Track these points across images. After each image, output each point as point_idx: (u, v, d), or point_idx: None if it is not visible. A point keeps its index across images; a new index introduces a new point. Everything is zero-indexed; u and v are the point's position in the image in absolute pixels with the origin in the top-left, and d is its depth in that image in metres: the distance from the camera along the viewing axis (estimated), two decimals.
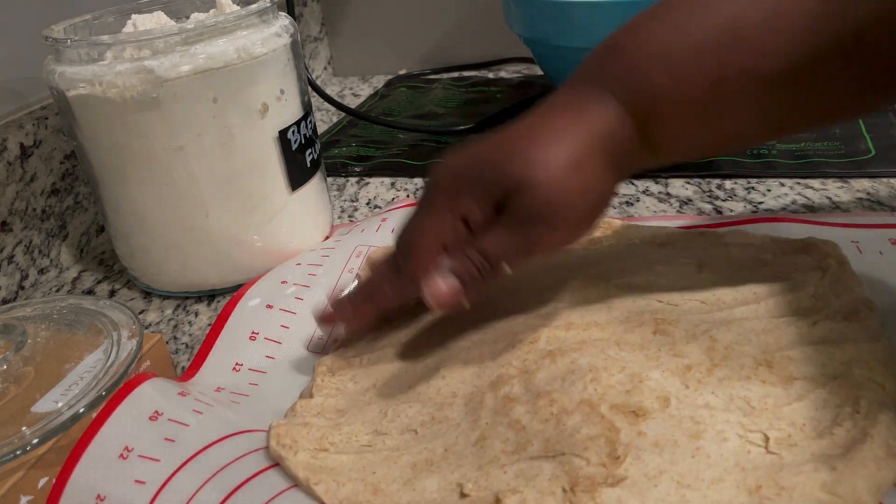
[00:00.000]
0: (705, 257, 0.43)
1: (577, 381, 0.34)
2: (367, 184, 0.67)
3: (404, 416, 0.35)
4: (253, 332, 0.44)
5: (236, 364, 0.42)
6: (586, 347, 0.36)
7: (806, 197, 0.54)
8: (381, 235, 0.52)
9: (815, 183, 0.56)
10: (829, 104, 0.34)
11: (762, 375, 0.33)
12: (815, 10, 0.31)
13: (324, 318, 0.41)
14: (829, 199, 0.53)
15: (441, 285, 0.34)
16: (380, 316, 0.41)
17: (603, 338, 0.37)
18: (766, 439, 0.30)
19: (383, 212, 0.56)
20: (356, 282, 0.47)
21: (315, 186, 0.54)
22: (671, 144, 0.36)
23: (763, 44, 0.32)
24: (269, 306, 0.46)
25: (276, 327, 0.44)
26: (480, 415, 0.34)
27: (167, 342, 0.47)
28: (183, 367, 0.44)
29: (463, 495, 0.30)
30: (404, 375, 0.39)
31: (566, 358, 0.36)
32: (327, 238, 0.56)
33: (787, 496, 0.28)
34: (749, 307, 0.38)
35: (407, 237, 0.37)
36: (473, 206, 0.35)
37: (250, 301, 0.47)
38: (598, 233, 0.49)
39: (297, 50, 0.51)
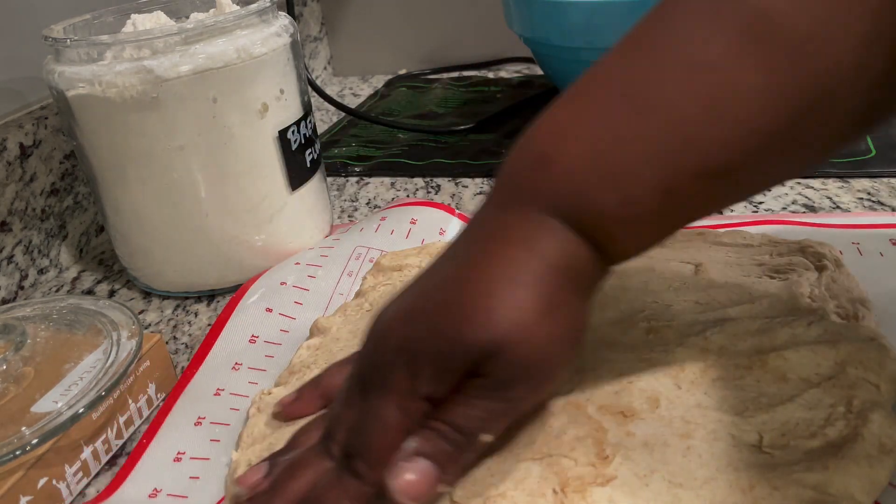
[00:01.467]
0: (702, 258, 0.43)
1: (563, 383, 0.34)
2: (367, 184, 0.67)
3: None
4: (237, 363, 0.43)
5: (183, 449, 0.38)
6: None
7: (806, 197, 0.54)
8: (380, 236, 0.52)
9: (816, 183, 0.56)
10: (795, 165, 0.31)
11: (756, 375, 0.33)
12: (761, 86, 0.27)
13: None
14: (830, 199, 0.53)
15: (412, 475, 0.28)
16: None
17: (593, 339, 0.37)
18: (760, 439, 0.30)
19: (382, 210, 0.56)
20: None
21: (315, 186, 0.54)
22: (629, 253, 0.31)
23: (711, 139, 0.28)
24: (254, 338, 0.45)
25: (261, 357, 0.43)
26: None
27: (167, 342, 0.47)
28: (182, 367, 0.44)
29: (452, 502, 0.30)
30: None
31: None
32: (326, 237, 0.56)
33: (780, 496, 0.28)
34: (744, 307, 0.38)
35: (363, 437, 0.30)
36: (438, 385, 0.29)
37: (236, 331, 0.45)
38: None
39: (297, 50, 0.51)
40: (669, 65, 0.28)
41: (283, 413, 0.36)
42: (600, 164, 0.28)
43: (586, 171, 0.29)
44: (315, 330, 0.44)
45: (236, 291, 0.48)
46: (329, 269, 0.49)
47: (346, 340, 0.42)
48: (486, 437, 0.29)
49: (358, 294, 0.47)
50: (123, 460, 0.37)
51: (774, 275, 0.41)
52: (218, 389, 0.40)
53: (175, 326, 0.49)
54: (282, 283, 0.48)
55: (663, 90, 0.28)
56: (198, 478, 0.35)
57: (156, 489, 0.35)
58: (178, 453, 0.37)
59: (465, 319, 0.28)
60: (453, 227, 0.53)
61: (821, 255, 0.42)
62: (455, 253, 0.31)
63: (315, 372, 0.39)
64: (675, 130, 0.28)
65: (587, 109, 0.29)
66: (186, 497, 0.34)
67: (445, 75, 0.97)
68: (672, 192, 0.28)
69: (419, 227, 0.53)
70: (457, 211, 0.55)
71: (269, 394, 0.39)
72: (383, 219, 0.54)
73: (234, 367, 0.42)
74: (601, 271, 0.31)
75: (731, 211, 0.53)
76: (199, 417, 0.39)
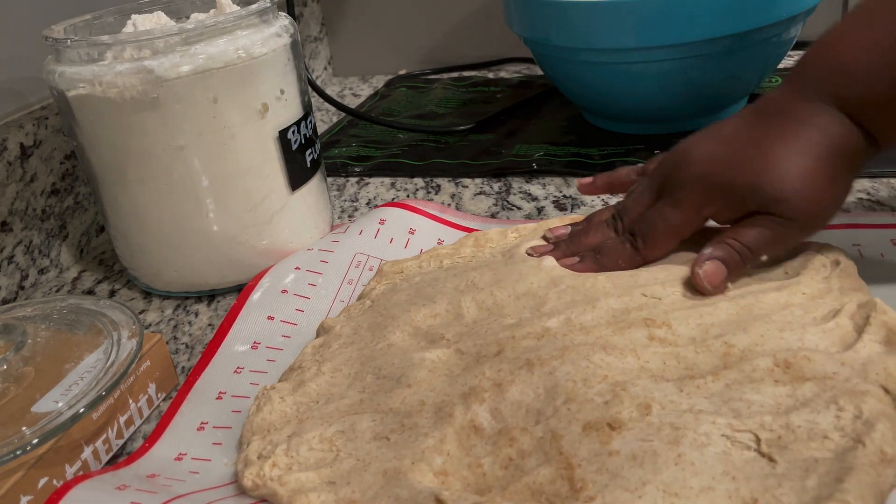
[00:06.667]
0: None
1: (549, 404, 0.33)
2: (367, 184, 0.67)
3: (368, 421, 0.35)
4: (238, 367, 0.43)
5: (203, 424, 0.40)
6: (568, 354, 0.35)
7: None
8: (379, 243, 0.52)
9: None
10: None
11: (776, 376, 0.33)
12: None
13: (538, 251, 0.46)
14: None
15: (713, 269, 0.39)
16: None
17: (587, 342, 0.36)
18: (758, 441, 0.30)
19: (379, 208, 0.55)
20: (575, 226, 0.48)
21: (315, 186, 0.54)
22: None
23: None
24: (256, 344, 0.44)
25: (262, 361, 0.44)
26: (447, 434, 0.33)
27: (167, 342, 0.47)
28: (183, 367, 0.45)
29: None
30: (366, 381, 0.38)
31: (545, 368, 0.34)
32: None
33: None
34: (732, 302, 0.38)
35: (651, 226, 0.42)
36: (723, 212, 0.41)
37: (239, 341, 0.44)
38: None
39: (297, 50, 0.51)
40: None
41: (580, 186, 0.51)
42: (875, 58, 0.36)
43: (862, 62, 0.37)
44: (321, 330, 0.45)
45: (237, 298, 0.48)
46: (329, 277, 0.49)
47: (347, 337, 0.42)
48: (764, 258, 0.40)
49: (360, 297, 0.48)
50: (123, 460, 0.37)
51: (767, 274, 0.41)
52: (220, 393, 0.40)
53: (175, 326, 0.49)
54: (283, 292, 0.48)
55: None
56: (197, 473, 0.35)
57: (154, 473, 0.35)
58: (180, 454, 0.37)
59: (761, 170, 0.38)
60: (451, 237, 0.53)
61: (818, 258, 0.42)
62: (755, 119, 0.41)
63: (314, 370, 0.40)
64: None
65: (866, 17, 0.38)
66: (184, 481, 0.34)
67: (445, 75, 0.97)
68: None
69: (417, 236, 0.53)
70: (453, 220, 0.55)
71: (273, 388, 0.39)
72: (382, 222, 0.54)
73: (235, 371, 0.42)
74: (869, 152, 0.39)
75: None
76: (202, 422, 0.39)
